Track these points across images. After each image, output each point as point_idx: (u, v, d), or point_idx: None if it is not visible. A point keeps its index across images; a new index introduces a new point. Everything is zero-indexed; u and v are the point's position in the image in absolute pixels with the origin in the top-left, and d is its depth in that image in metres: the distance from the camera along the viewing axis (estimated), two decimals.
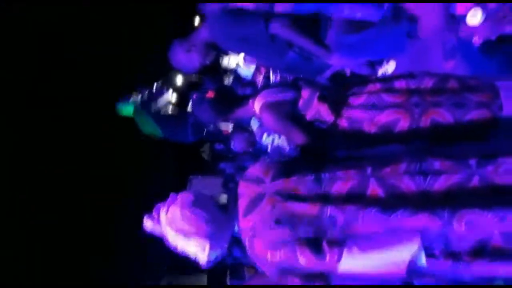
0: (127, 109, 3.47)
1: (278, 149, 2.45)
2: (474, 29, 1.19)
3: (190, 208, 1.19)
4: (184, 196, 1.23)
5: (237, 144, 2.71)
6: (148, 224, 1.23)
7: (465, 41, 1.28)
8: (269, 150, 2.70)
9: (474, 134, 1.27)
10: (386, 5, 1.88)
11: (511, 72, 1.64)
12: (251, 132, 2.60)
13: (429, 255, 1.06)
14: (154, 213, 1.24)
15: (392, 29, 1.82)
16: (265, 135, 2.42)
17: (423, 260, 1.05)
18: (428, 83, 1.36)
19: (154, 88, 3.57)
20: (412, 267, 1.05)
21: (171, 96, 3.63)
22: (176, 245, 1.21)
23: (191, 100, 1.72)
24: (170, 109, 3.57)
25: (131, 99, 3.42)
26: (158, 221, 1.22)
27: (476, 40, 1.23)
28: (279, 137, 2.38)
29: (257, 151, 3.05)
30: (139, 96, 3.48)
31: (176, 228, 1.18)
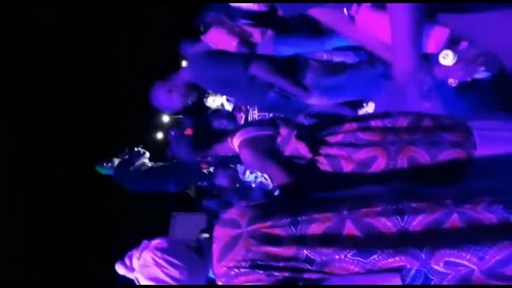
0: (106, 172, 3.60)
1: (261, 186, 2.46)
2: (448, 70, 1.24)
3: (162, 255, 1.19)
4: (157, 242, 1.23)
5: (220, 181, 2.71)
6: (120, 270, 1.23)
7: (441, 82, 1.33)
8: (252, 187, 2.70)
9: (449, 174, 1.28)
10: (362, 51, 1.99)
11: (483, 112, 1.71)
12: (234, 169, 2.62)
13: None
14: (126, 259, 1.24)
15: (367, 72, 1.90)
16: (247, 172, 2.43)
17: None
18: (403, 121, 1.40)
19: (130, 154, 3.70)
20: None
21: (147, 159, 3.76)
22: None
23: (169, 137, 1.75)
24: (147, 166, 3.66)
25: (108, 166, 3.54)
26: (131, 267, 1.21)
27: (452, 82, 1.28)
28: (262, 175, 2.40)
29: (241, 188, 3.05)
30: (116, 161, 3.60)
31: (148, 275, 1.17)
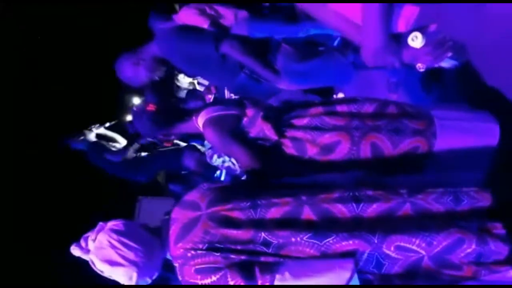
0: (78, 147, 3.52)
1: (228, 171, 2.43)
2: (416, 53, 1.24)
3: (118, 237, 1.17)
4: (112, 224, 1.22)
5: (188, 163, 2.66)
6: (75, 251, 1.21)
7: (409, 67, 1.34)
8: (219, 171, 2.67)
9: (409, 164, 1.32)
10: (336, 36, 1.98)
11: (447, 103, 1.75)
12: (202, 153, 2.57)
13: (364, 280, 1.08)
14: (82, 241, 1.21)
15: (338, 59, 1.90)
16: (215, 156, 2.39)
17: (356, 280, 1.06)
18: (368, 108, 1.41)
19: (103, 128, 3.64)
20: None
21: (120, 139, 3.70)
22: (102, 272, 1.18)
23: (132, 113, 1.68)
24: (119, 151, 3.62)
25: (81, 140, 3.48)
26: (86, 249, 1.19)
27: (420, 66, 1.28)
28: (230, 159, 2.36)
29: (208, 173, 3.01)
30: (88, 134, 3.53)
31: (102, 257, 1.16)
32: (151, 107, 1.51)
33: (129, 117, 6.76)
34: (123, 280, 1.16)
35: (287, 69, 1.82)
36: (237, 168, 2.44)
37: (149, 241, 1.20)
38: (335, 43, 2.05)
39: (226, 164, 2.41)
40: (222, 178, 2.79)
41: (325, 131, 1.37)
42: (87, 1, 6.07)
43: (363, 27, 1.21)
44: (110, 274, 1.16)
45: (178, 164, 3.41)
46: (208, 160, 2.46)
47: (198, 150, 2.69)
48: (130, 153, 3.59)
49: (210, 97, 2.21)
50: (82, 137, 3.62)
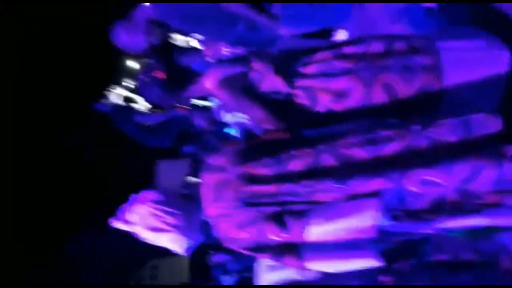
0: (104, 110, 3.50)
1: (239, 125, 2.45)
2: None
3: (154, 205, 1.24)
4: (146, 194, 1.28)
5: (198, 122, 2.68)
6: (118, 225, 1.27)
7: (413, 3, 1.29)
8: (231, 127, 2.69)
9: (420, 102, 1.30)
10: None
11: (451, 29, 1.70)
12: (210, 110, 2.58)
13: (392, 217, 1.13)
14: (120, 215, 1.28)
15: None
16: (222, 111, 2.40)
17: (385, 223, 1.12)
18: (376, 46, 1.37)
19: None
20: (377, 230, 1.11)
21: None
22: (149, 241, 1.26)
23: (139, 82, 1.67)
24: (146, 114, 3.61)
25: (107, 103, 3.44)
26: (126, 221, 1.26)
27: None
28: (239, 114, 2.37)
29: (219, 130, 3.04)
30: (112, 96, 3.49)
31: (146, 226, 1.23)
32: (160, 74, 1.49)
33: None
34: (171, 246, 1.25)
35: (285, 12, 1.76)
36: (248, 122, 2.46)
37: (184, 205, 1.28)
38: None
39: (236, 119, 2.43)
40: (234, 132, 2.82)
41: (335, 76, 1.35)
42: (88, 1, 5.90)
43: None
44: (157, 241, 1.24)
45: (190, 126, 3.44)
46: (217, 117, 2.48)
47: (207, 108, 2.70)
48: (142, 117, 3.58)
49: (210, 54, 2.17)
50: (106, 99, 3.57)
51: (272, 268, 2.22)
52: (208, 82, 1.49)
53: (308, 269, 1.18)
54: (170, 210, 1.24)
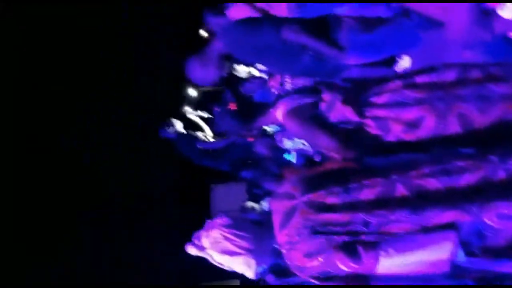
0: (167, 136, 3.81)
1: (300, 153, 2.47)
2: (508, 23, 1.17)
3: (229, 230, 1.30)
4: (220, 220, 1.34)
5: (259, 149, 2.74)
6: (191, 251, 1.34)
7: (499, 35, 1.26)
8: (291, 154, 2.72)
9: (498, 133, 1.24)
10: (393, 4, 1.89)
11: None
12: (272, 137, 2.63)
13: (468, 253, 1.08)
14: (195, 240, 1.35)
15: (405, 24, 1.81)
16: (285, 139, 2.43)
17: (461, 257, 1.07)
18: (449, 75, 1.34)
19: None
20: (452, 265, 1.07)
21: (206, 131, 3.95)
22: (222, 265, 1.31)
23: (214, 114, 1.77)
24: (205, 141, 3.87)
25: (170, 130, 3.75)
26: (201, 247, 1.33)
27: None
28: (300, 141, 2.40)
29: (279, 156, 3.08)
30: (177, 123, 3.79)
31: (221, 250, 1.28)
32: (232, 106, 1.58)
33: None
34: (242, 269, 1.28)
35: (353, 42, 1.78)
36: (309, 149, 2.48)
37: (255, 230, 1.32)
38: (394, 7, 1.95)
39: (297, 146, 2.46)
40: (293, 160, 2.84)
41: (407, 106, 1.34)
42: (88, 1, 6.17)
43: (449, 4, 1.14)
44: (229, 265, 1.29)
45: (250, 152, 3.56)
46: (279, 143, 2.52)
47: (269, 135, 2.77)
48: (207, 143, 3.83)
49: (275, 84, 2.25)
50: (171, 127, 3.88)
51: None
52: (279, 112, 1.54)
53: None
54: (242, 234, 1.29)
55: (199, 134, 3.89)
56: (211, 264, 1.34)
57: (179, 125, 3.97)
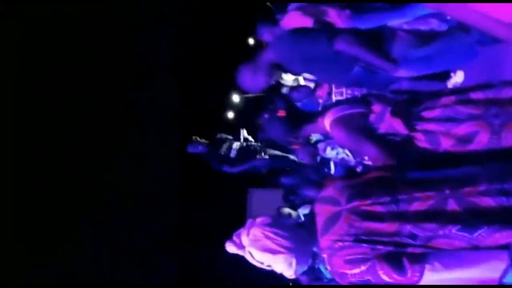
0: (195, 152, 4.03)
1: (342, 163, 2.47)
2: None
3: (270, 228, 1.28)
4: (262, 219, 1.33)
5: (301, 157, 2.77)
6: (230, 248, 1.33)
7: None
8: (332, 163, 2.72)
9: None
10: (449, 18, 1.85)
11: None
12: (315, 146, 2.65)
13: None
14: (235, 238, 1.34)
15: (462, 38, 1.78)
16: (328, 148, 2.44)
17: (511, 276, 1.03)
18: (508, 92, 1.31)
19: (218, 141, 4.07)
20: (502, 285, 1.04)
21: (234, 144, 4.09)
22: (262, 263, 1.29)
23: (262, 119, 1.83)
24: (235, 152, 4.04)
25: (199, 148, 3.97)
26: (240, 245, 1.32)
27: None
28: (343, 150, 2.40)
29: (319, 165, 3.09)
30: (203, 142, 3.97)
31: (262, 248, 1.27)
32: (281, 113, 1.62)
33: (230, 114, 7.31)
34: (283, 268, 1.27)
35: (406, 56, 1.77)
36: (351, 159, 2.47)
37: (296, 231, 1.31)
38: (450, 21, 1.92)
39: (340, 156, 2.46)
40: (332, 170, 2.84)
41: (460, 122, 1.31)
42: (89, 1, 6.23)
43: None
44: (270, 263, 1.28)
45: (288, 161, 3.65)
46: (321, 153, 2.54)
47: (311, 143, 2.79)
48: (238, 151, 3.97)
49: (323, 94, 2.27)
50: (198, 145, 4.09)
51: None
52: (327, 121, 1.56)
53: None
54: (283, 233, 1.27)
55: (224, 147, 4.07)
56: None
57: (203, 145, 4.19)
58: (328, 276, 4.67)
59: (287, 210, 3.24)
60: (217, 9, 6.97)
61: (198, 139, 4.20)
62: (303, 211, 3.24)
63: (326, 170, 2.97)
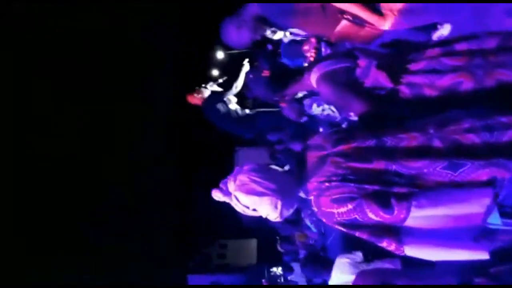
0: (195, 101, 3.92)
1: (328, 119, 2.48)
2: None
3: (256, 173, 1.28)
4: (249, 166, 1.33)
5: (288, 114, 2.77)
6: (217, 196, 1.33)
7: None
8: (319, 119, 2.73)
9: None
10: None
11: None
12: (300, 102, 2.64)
13: (502, 213, 1.05)
14: (222, 185, 1.33)
15: None
16: (314, 105, 2.45)
17: (496, 218, 1.04)
18: (491, 43, 1.31)
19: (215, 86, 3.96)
20: (485, 221, 1.04)
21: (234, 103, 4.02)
22: (248, 207, 1.29)
23: (247, 79, 1.79)
24: (233, 108, 4.00)
25: (200, 94, 3.86)
26: (227, 191, 1.32)
27: None
28: (329, 107, 2.41)
29: (306, 122, 3.10)
30: (205, 92, 3.89)
31: (247, 191, 1.27)
32: (265, 73, 1.60)
33: (214, 72, 7.16)
34: (268, 210, 1.27)
35: (392, 8, 1.74)
36: (337, 115, 2.49)
37: (283, 176, 1.32)
38: None
39: (326, 112, 2.47)
40: (320, 129, 2.87)
41: (444, 73, 1.33)
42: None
43: None
44: (256, 206, 1.27)
45: (277, 122, 3.63)
46: (307, 109, 2.54)
47: (297, 100, 2.78)
48: (233, 110, 3.92)
49: (310, 48, 2.23)
50: (199, 95, 3.96)
51: (353, 266, 2.21)
52: (313, 76, 1.55)
53: (405, 255, 1.12)
54: (269, 176, 1.27)
55: (227, 98, 3.98)
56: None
57: (207, 94, 4.06)
58: (314, 229, 4.89)
59: (273, 166, 3.29)
60: None
61: (203, 89, 4.07)
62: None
63: (312, 127, 3.00)
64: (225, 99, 4.03)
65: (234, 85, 4.06)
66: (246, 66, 3.89)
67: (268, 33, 3.13)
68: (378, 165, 1.13)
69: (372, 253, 1.93)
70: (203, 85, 4.09)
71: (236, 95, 4.15)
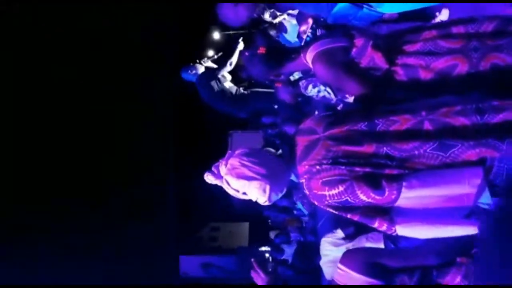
0: (189, 78, 3.84)
1: (323, 101, 2.47)
2: None
3: (247, 157, 1.29)
4: (240, 150, 1.34)
5: (283, 96, 2.75)
6: (209, 178, 1.34)
7: None
8: (314, 102, 2.72)
9: None
10: None
11: None
12: (295, 84, 2.63)
13: (492, 193, 1.06)
14: (213, 169, 1.34)
15: None
16: (310, 86, 2.43)
17: (487, 198, 1.06)
18: (488, 26, 1.32)
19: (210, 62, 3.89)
20: (475, 201, 1.06)
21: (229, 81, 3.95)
22: (238, 191, 1.30)
23: (243, 58, 1.77)
24: (227, 86, 3.92)
25: (193, 73, 3.77)
26: (218, 175, 1.33)
27: None
28: (325, 88, 2.39)
29: (300, 104, 3.09)
30: (200, 68, 3.82)
31: (237, 175, 1.28)
32: (261, 50, 1.58)
33: (210, 52, 7.05)
34: (257, 194, 1.29)
35: None
36: (332, 97, 2.48)
37: (274, 160, 1.33)
38: None
39: (321, 94, 2.45)
40: (316, 112, 2.86)
41: (439, 56, 1.33)
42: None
43: None
44: (245, 190, 1.29)
45: (271, 103, 3.60)
46: (302, 91, 2.52)
47: (291, 82, 2.76)
48: (227, 88, 3.87)
49: (306, 29, 2.19)
50: (193, 71, 3.90)
51: (336, 244, 2.25)
52: (309, 55, 1.54)
53: (397, 234, 1.14)
54: (259, 161, 1.28)
55: (221, 76, 3.91)
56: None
57: (201, 70, 3.99)
58: (306, 212, 4.95)
59: (267, 149, 3.30)
60: None
61: (197, 65, 4.02)
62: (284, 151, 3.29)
63: (307, 109, 2.99)
64: (219, 76, 3.96)
65: (229, 61, 3.99)
66: (241, 44, 3.85)
67: (267, 16, 3.10)
68: (369, 148, 1.14)
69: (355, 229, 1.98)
70: (198, 61, 4.03)
71: (231, 76, 4.10)
